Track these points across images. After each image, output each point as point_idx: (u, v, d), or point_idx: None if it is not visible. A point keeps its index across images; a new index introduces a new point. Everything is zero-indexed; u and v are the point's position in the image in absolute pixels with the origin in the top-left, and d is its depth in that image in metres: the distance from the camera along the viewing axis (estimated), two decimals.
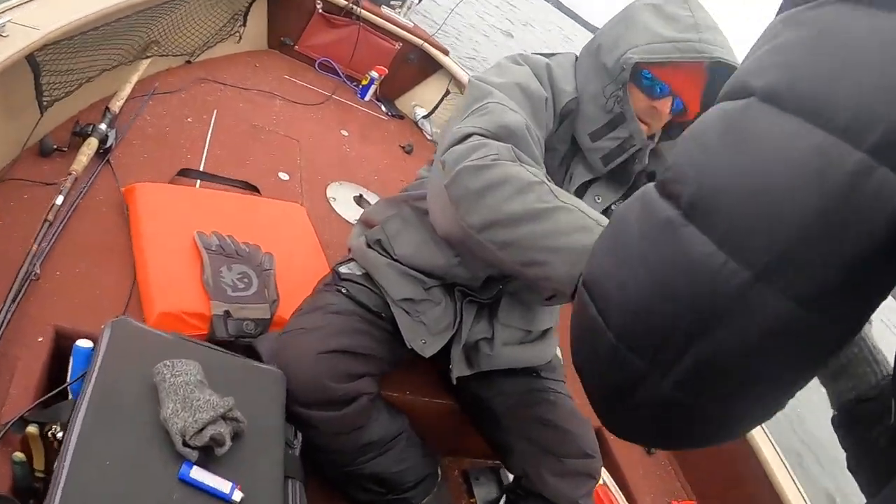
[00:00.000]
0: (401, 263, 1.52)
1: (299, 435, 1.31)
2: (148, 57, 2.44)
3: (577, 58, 1.46)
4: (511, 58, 1.42)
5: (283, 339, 1.42)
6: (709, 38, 1.23)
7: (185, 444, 1.03)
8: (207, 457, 1.05)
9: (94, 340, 1.20)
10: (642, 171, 1.43)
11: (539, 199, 1.03)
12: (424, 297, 1.49)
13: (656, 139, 1.43)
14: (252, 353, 1.48)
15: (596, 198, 1.42)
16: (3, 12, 1.71)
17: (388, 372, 1.55)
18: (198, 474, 1.03)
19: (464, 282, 1.49)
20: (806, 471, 5.31)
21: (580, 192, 1.42)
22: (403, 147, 3.39)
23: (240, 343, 1.57)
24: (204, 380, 1.12)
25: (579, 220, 1.00)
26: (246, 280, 1.70)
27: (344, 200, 2.57)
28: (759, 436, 2.09)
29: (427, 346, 1.48)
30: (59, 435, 1.03)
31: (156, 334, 1.23)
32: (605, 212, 1.40)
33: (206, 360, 1.18)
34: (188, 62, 2.85)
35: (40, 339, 1.37)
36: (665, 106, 1.30)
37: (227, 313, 1.58)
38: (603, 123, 1.34)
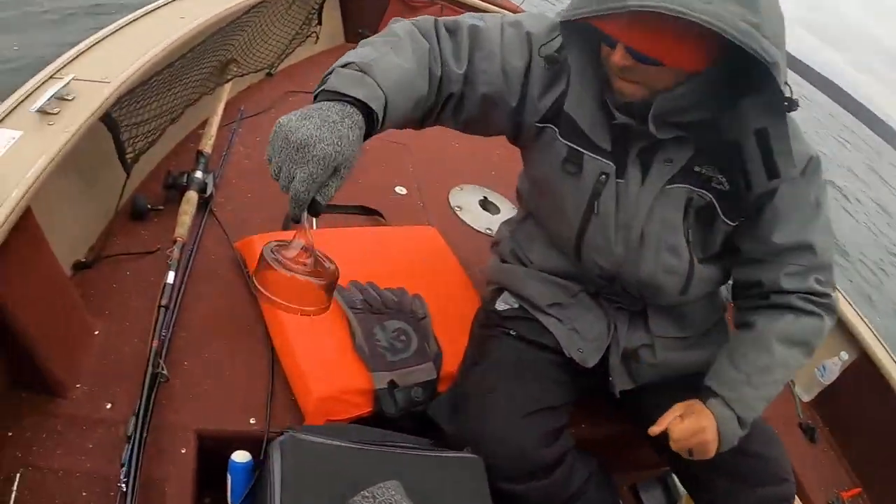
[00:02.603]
0: (539, 271, 1.45)
1: None
2: (229, 80, 2.18)
3: None
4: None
5: (471, 408, 1.30)
6: None
7: None
8: None
9: (248, 448, 1.16)
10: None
11: None
12: (572, 302, 1.42)
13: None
14: (421, 423, 1.36)
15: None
16: (63, 67, 1.44)
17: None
18: None
19: (595, 287, 1.41)
20: None
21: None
22: None
23: (410, 414, 1.38)
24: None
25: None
26: (403, 338, 1.44)
27: (469, 208, 2.27)
28: None
29: (586, 355, 1.38)
30: None
31: (331, 447, 1.11)
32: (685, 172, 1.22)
33: (398, 470, 1.09)
34: (269, 75, 2.61)
35: (183, 451, 1.19)
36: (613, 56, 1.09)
37: (392, 384, 1.36)
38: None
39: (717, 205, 1.23)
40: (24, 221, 1.15)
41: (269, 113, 2.31)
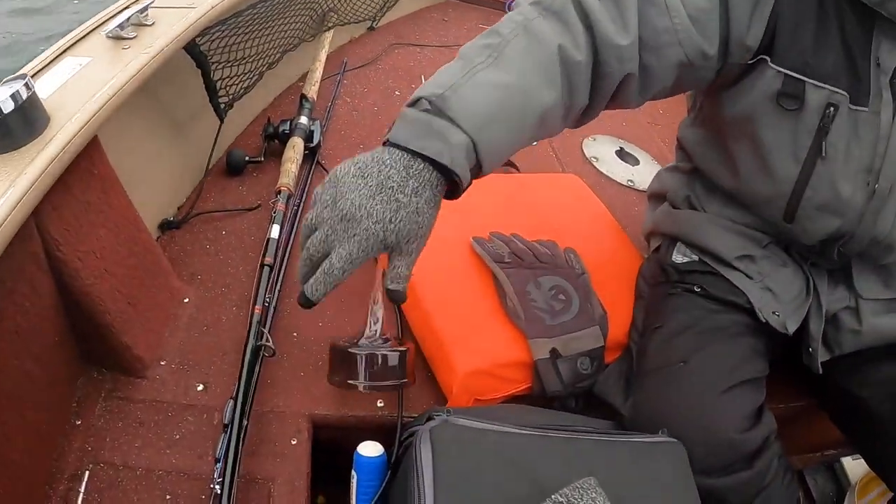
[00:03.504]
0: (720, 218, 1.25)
1: None
2: (329, 28, 1.98)
3: None
4: None
5: (656, 383, 1.09)
6: None
7: None
8: None
9: (377, 437, 0.96)
10: None
11: None
12: (763, 254, 1.19)
13: None
14: (584, 400, 1.15)
15: None
16: None
17: None
18: None
19: (798, 245, 1.20)
20: None
21: None
22: None
23: (575, 391, 1.14)
24: None
25: None
26: (562, 296, 1.17)
27: (607, 159, 1.98)
28: None
29: (784, 318, 1.15)
30: None
31: (498, 434, 0.87)
32: None
33: (586, 461, 0.86)
34: (371, 28, 2.41)
35: (294, 442, 1.01)
36: None
37: (555, 353, 1.11)
38: None
39: None
40: (91, 156, 0.93)
41: (375, 64, 2.12)
